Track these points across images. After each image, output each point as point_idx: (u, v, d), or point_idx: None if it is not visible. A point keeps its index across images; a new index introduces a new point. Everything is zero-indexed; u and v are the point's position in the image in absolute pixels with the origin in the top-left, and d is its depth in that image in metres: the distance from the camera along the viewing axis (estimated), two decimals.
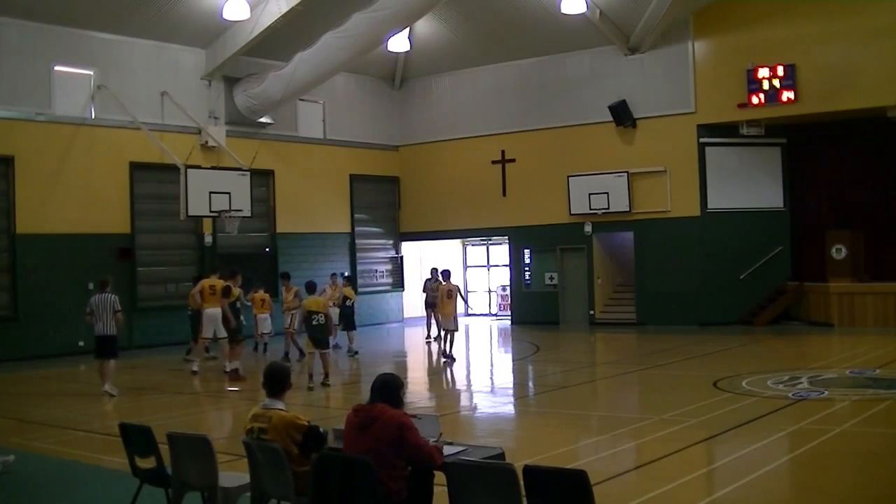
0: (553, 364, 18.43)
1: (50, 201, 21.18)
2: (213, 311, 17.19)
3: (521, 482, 5.05)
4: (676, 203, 24.64)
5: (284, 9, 22.10)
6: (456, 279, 30.94)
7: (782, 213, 24.56)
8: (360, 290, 27.18)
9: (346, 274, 23.63)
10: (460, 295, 19.84)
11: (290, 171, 26.25)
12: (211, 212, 22.11)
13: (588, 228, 26.05)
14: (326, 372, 15.13)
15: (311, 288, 15.66)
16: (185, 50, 23.99)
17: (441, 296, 19.03)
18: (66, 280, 20.99)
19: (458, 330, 19.75)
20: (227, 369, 16.51)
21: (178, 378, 17.28)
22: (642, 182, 25.08)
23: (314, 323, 14.93)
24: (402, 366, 19.68)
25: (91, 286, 21.03)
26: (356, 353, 20.14)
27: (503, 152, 27.61)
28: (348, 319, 20.37)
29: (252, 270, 24.12)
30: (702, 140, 24.33)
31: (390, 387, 5.94)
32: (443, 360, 18.49)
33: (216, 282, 17.60)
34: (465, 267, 31.84)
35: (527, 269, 27.79)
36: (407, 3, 21.00)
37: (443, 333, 19.48)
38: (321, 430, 6.08)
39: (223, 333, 17.04)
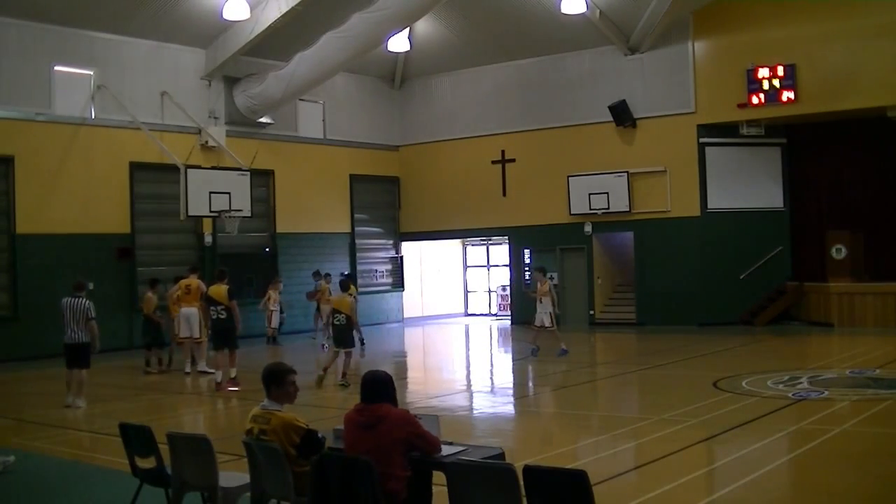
0: (553, 364, 18.40)
1: (50, 201, 21.19)
2: (187, 311, 17.06)
3: (521, 482, 5.04)
4: (676, 203, 24.64)
5: (284, 9, 22.10)
6: (455, 278, 31.30)
7: (782, 213, 24.55)
8: (360, 290, 27.23)
9: (346, 272, 23.83)
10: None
11: (290, 171, 26.25)
12: (211, 212, 22.13)
13: (588, 228, 26.06)
14: (344, 371, 15.08)
15: (343, 286, 15.69)
16: (185, 50, 23.99)
17: (542, 294, 18.80)
18: (66, 280, 20.73)
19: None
20: (219, 379, 15.44)
21: (177, 378, 17.26)
22: (642, 182, 25.08)
23: (335, 322, 15.15)
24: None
25: (91, 286, 21.04)
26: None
27: (503, 152, 27.62)
28: None
29: (252, 270, 24.26)
30: (702, 140, 24.33)
31: (388, 384, 5.94)
32: (558, 355, 18.25)
33: (192, 282, 17.35)
34: (465, 267, 31.85)
35: (527, 269, 27.78)
36: (407, 2, 21.00)
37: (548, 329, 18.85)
38: (319, 434, 6.06)
39: (197, 334, 17.06)
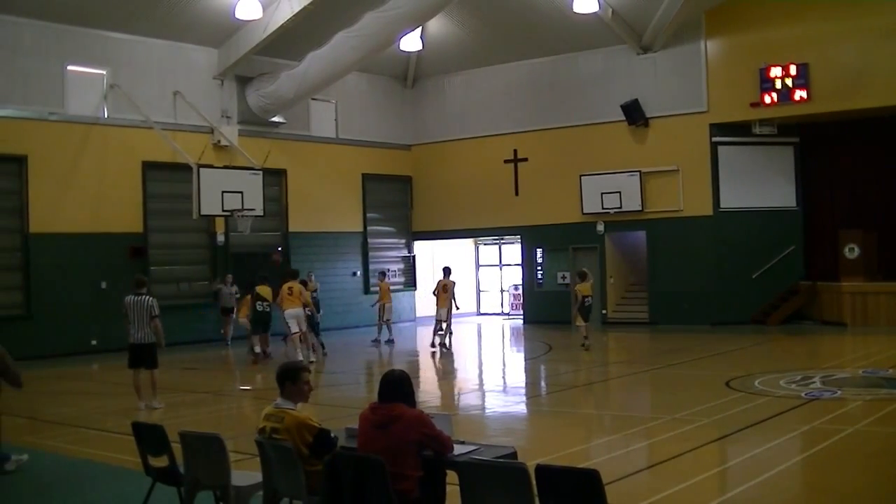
0: (565, 363, 18.40)
1: (63, 201, 21.27)
2: (293, 311, 18.20)
3: (534, 481, 5.04)
4: (689, 202, 24.59)
5: (297, 8, 22.13)
6: (468, 278, 31.26)
7: (795, 213, 24.46)
8: (370, 289, 27.26)
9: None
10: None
11: (303, 170, 26.29)
12: (223, 211, 22.16)
13: (600, 228, 26.02)
14: (586, 336, 19.49)
15: (582, 276, 19.95)
16: (197, 49, 24.05)
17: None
18: (79, 279, 21.09)
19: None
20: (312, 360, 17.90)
21: (190, 377, 17.33)
22: (655, 181, 25.03)
23: (585, 304, 19.57)
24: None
25: (104, 285, 21.22)
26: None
27: (515, 151, 27.60)
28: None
29: (264, 269, 24.25)
30: (714, 139, 24.26)
31: (404, 384, 5.93)
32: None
33: (294, 285, 18.56)
34: (478, 266, 31.84)
35: (539, 268, 27.77)
36: (419, 2, 21.00)
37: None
38: (332, 434, 6.06)
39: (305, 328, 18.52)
